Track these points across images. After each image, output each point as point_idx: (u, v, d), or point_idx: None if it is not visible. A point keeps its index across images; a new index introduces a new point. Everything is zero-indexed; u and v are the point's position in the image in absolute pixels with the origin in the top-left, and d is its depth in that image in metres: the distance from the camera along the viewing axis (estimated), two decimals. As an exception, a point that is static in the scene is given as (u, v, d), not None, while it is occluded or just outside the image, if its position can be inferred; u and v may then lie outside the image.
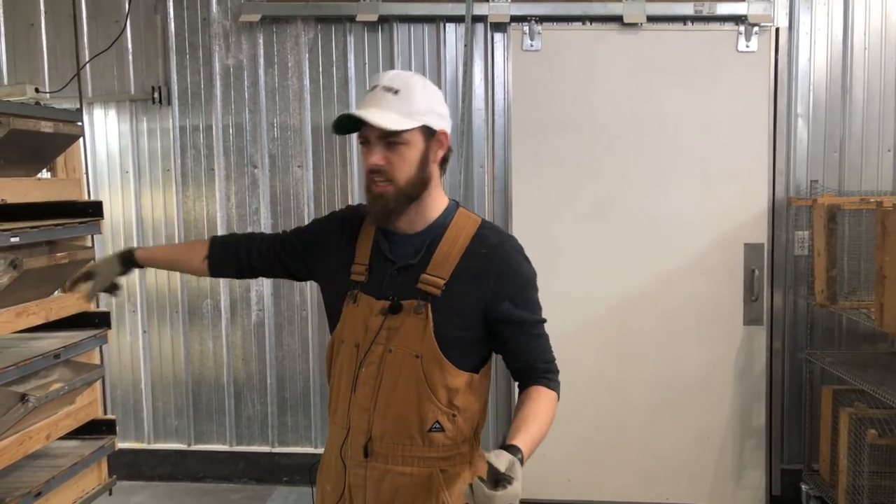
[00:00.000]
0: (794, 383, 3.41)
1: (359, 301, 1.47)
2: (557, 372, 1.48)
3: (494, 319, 1.43)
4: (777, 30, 3.28)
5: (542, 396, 1.41)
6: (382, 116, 1.36)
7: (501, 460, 1.19)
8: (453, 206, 1.51)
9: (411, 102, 1.38)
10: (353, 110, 1.38)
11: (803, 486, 3.30)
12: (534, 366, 1.45)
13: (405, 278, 1.44)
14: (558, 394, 1.45)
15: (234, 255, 1.66)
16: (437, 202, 1.47)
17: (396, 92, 1.38)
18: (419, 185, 1.41)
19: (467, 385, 1.44)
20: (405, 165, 1.39)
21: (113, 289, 1.71)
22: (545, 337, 1.49)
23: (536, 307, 1.48)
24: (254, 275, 1.68)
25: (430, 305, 1.41)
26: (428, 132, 1.41)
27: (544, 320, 1.49)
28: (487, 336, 1.46)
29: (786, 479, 3.40)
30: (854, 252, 3.23)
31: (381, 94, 1.39)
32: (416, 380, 1.41)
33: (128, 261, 1.70)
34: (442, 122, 1.44)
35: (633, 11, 3.27)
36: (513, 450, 1.24)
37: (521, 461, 1.23)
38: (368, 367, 1.44)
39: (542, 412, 1.37)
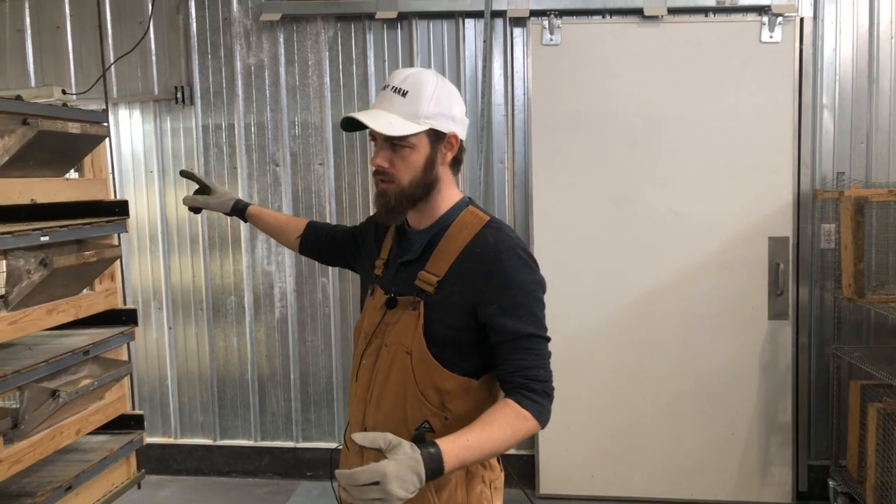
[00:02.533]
0: (820, 378, 3.36)
1: (374, 294, 1.51)
2: (543, 393, 1.33)
3: (483, 323, 1.37)
4: (801, 20, 3.22)
5: (502, 408, 1.29)
6: (384, 120, 1.35)
7: (364, 437, 1.15)
8: (462, 203, 1.48)
9: (418, 105, 1.37)
10: (356, 113, 1.38)
11: (831, 483, 3.26)
12: (510, 378, 1.34)
13: (407, 273, 1.44)
14: (535, 414, 1.30)
15: (318, 243, 1.84)
16: (445, 199, 1.46)
17: (405, 94, 1.38)
18: (424, 187, 1.41)
19: (463, 390, 1.39)
20: (408, 168, 1.39)
21: (198, 210, 1.97)
22: (538, 352, 1.36)
23: (530, 318, 1.36)
24: (330, 263, 1.86)
25: (423, 302, 1.39)
26: (435, 135, 1.40)
27: (541, 335, 1.37)
28: (485, 339, 1.39)
29: (813, 475, 3.36)
30: (882, 245, 3.17)
31: (390, 96, 1.39)
32: (405, 376, 1.39)
33: (239, 210, 1.92)
34: (452, 124, 1.42)
35: (654, 3, 3.23)
36: (425, 444, 1.17)
37: (430, 456, 1.15)
38: (367, 358, 1.47)
39: (495, 423, 1.26)
